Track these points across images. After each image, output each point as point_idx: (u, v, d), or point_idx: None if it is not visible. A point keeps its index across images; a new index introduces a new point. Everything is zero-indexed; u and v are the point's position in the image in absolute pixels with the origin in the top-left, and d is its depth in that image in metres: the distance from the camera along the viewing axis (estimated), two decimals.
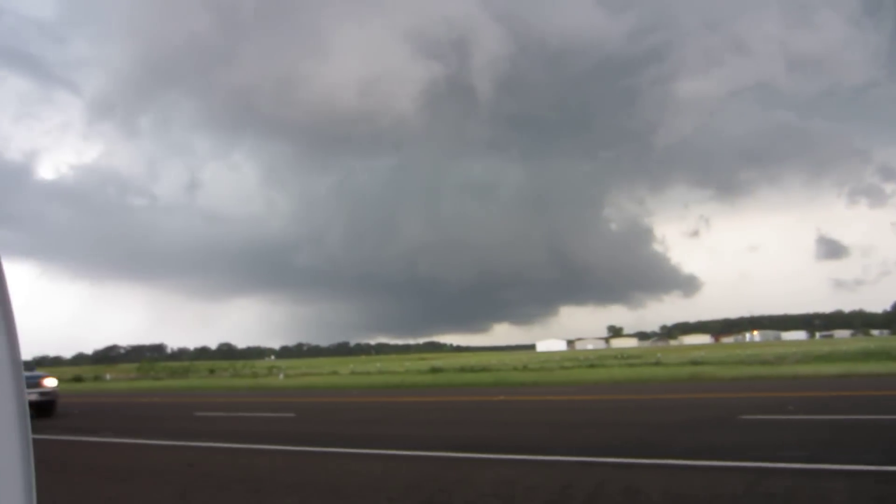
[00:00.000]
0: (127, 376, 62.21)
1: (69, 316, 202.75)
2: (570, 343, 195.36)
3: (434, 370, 44.20)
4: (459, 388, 25.94)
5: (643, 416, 12.88)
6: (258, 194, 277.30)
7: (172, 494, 7.17)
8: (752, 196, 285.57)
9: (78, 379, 53.55)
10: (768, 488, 5.99)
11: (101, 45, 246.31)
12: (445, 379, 33.23)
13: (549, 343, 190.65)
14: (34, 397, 16.99)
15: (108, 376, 61.78)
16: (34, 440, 1.18)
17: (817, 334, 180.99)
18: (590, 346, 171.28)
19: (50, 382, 17.86)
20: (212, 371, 63.03)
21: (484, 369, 41.74)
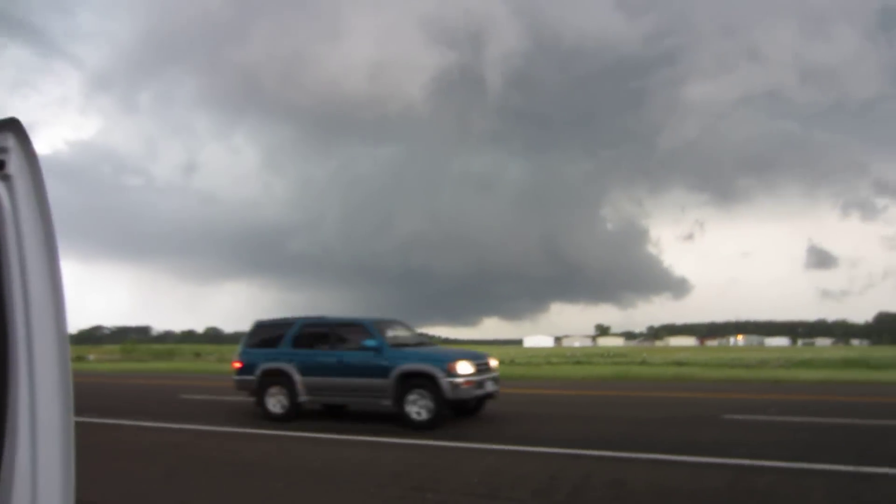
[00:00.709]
0: (110, 357, 61.78)
1: None
2: (558, 339, 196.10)
3: None
4: None
5: (628, 412, 13.06)
6: (256, 178, 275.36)
7: (158, 475, 7.24)
8: (749, 203, 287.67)
9: None
10: (750, 484, 6.15)
11: (106, 18, 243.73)
12: None
13: (537, 339, 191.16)
14: None
15: (90, 357, 61.38)
16: None
17: (799, 341, 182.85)
18: (577, 344, 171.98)
19: None
20: (197, 355, 62.68)
21: None
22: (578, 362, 43.83)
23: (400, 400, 10.55)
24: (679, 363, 39.25)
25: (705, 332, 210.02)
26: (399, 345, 11.75)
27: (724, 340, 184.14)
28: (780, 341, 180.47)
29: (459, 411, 11.46)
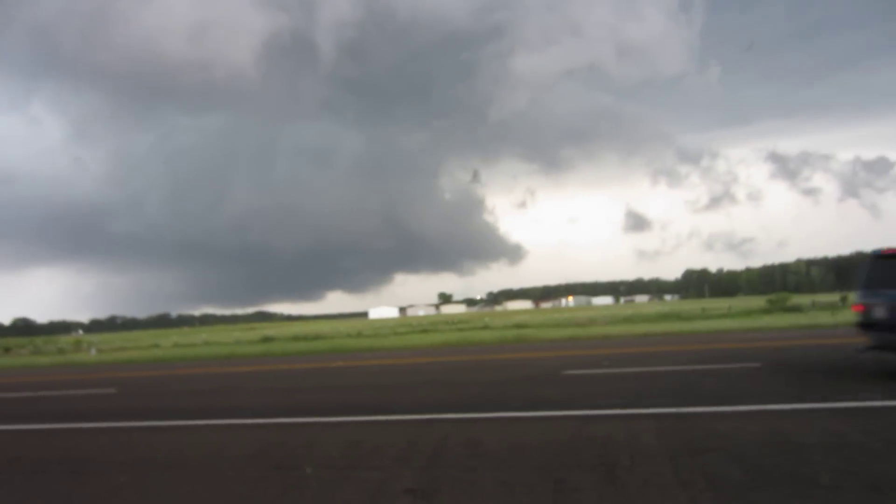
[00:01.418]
0: None
1: None
2: (402, 310, 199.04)
3: (266, 339, 43.05)
4: (294, 356, 25.54)
5: (477, 375, 13.62)
6: (64, 151, 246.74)
7: None
8: (573, 171, 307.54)
9: None
10: (591, 432, 6.69)
11: None
12: (279, 348, 32.51)
13: (382, 310, 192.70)
14: None
15: None
16: None
17: (622, 299, 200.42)
18: (421, 313, 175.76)
19: None
20: (7, 349, 56.05)
21: (318, 337, 41.41)
22: (425, 331, 44.92)
23: None
24: (518, 326, 41.53)
25: (539, 295, 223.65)
26: None
27: (556, 302, 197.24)
28: (606, 300, 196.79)
29: None
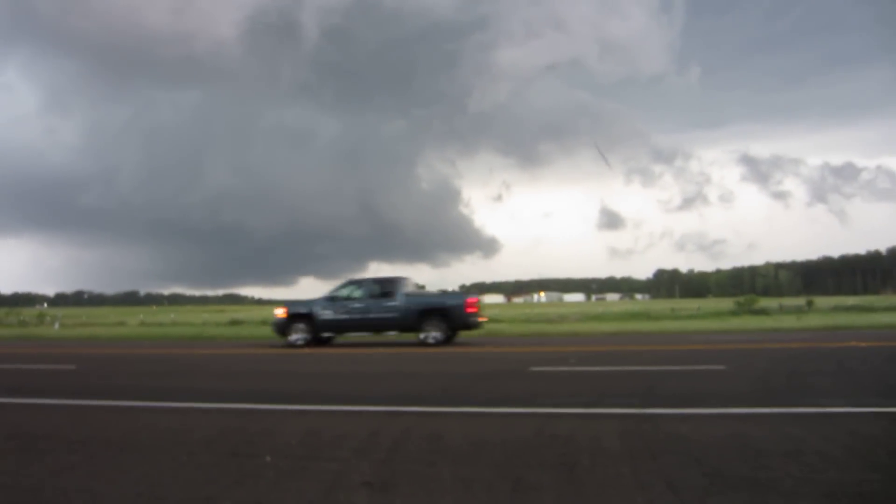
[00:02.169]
0: None
1: None
2: None
3: (234, 322, 42.58)
4: (261, 340, 25.26)
5: (443, 367, 13.57)
6: (36, 120, 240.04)
7: None
8: (549, 166, 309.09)
9: None
10: (553, 430, 6.67)
11: None
12: (247, 332, 32.16)
13: None
14: None
15: None
16: None
17: (593, 297, 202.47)
18: None
19: None
20: None
21: None
22: None
23: None
24: (490, 319, 41.63)
25: (512, 289, 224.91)
26: None
27: (528, 297, 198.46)
28: (577, 297, 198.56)
29: None
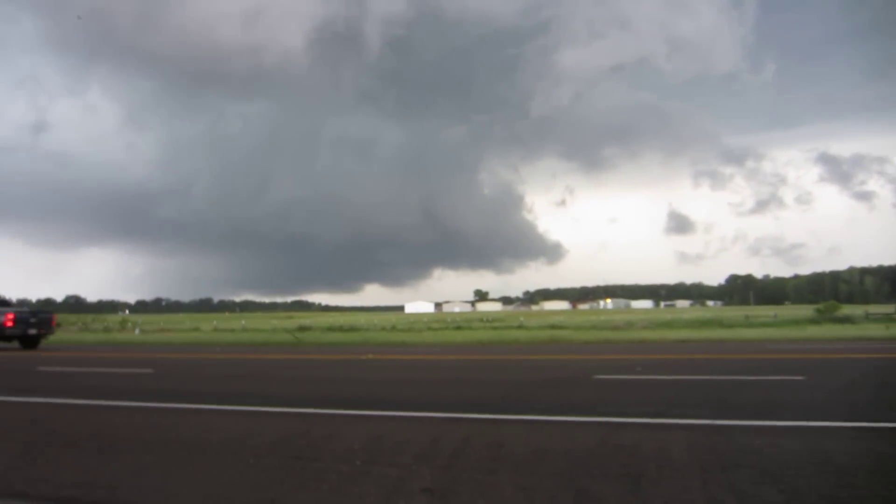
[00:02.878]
0: None
1: None
2: (438, 305, 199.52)
3: (302, 328, 43.58)
4: (327, 346, 25.74)
5: (507, 375, 13.45)
6: (118, 137, 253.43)
7: (13, 453, 6.58)
8: (614, 170, 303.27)
9: None
10: (618, 441, 6.48)
11: None
12: (313, 337, 32.86)
13: (418, 305, 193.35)
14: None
15: None
16: None
17: (662, 303, 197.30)
18: (457, 309, 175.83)
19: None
20: (58, 325, 57.89)
21: (352, 329, 41.75)
22: (459, 327, 44.87)
23: None
24: (554, 327, 41.13)
25: (577, 296, 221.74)
26: None
27: (594, 304, 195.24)
28: (645, 304, 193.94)
29: None
